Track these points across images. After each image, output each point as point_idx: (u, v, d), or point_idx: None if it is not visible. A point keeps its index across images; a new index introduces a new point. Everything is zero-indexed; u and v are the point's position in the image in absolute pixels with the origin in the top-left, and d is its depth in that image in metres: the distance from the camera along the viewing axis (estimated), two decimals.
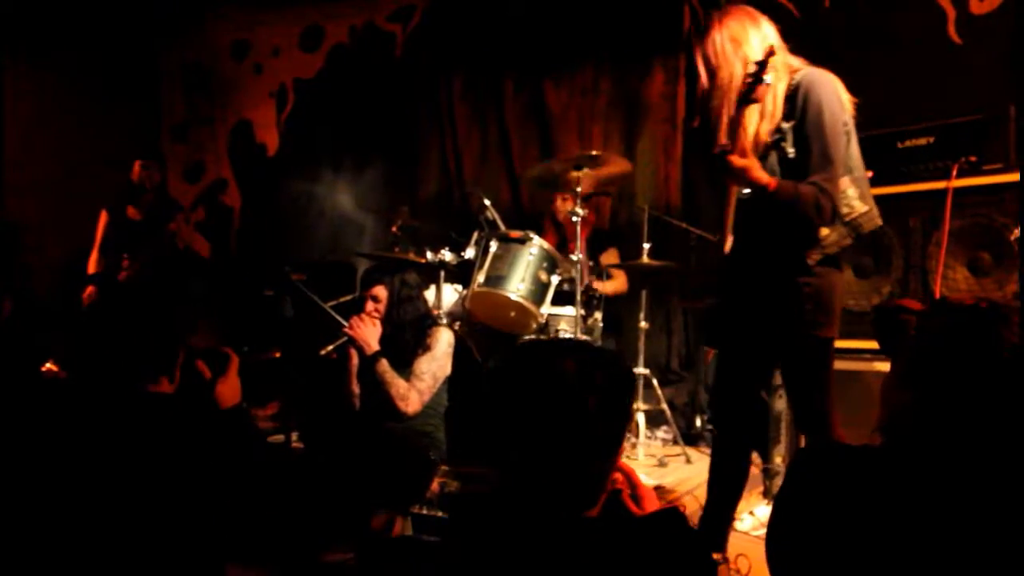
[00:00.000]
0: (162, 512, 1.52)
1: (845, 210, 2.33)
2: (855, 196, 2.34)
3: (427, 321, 3.14)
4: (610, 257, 4.46)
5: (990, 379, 1.21)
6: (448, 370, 3.08)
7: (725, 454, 2.56)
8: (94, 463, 1.51)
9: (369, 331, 2.99)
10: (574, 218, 3.53)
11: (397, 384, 2.93)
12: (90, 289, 4.94)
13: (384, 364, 2.94)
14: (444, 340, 3.08)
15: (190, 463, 1.57)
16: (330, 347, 3.09)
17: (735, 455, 2.54)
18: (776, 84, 2.31)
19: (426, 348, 3.04)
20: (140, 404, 1.61)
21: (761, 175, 2.26)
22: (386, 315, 3.06)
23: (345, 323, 3.08)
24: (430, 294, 4.08)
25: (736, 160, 2.25)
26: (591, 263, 4.21)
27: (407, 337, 3.05)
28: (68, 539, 1.47)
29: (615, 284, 4.34)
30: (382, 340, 3.01)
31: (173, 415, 1.63)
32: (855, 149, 2.37)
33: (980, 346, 1.23)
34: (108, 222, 5.07)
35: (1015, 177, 3.03)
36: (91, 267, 5.06)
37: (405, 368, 3.00)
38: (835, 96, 2.32)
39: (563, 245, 4.30)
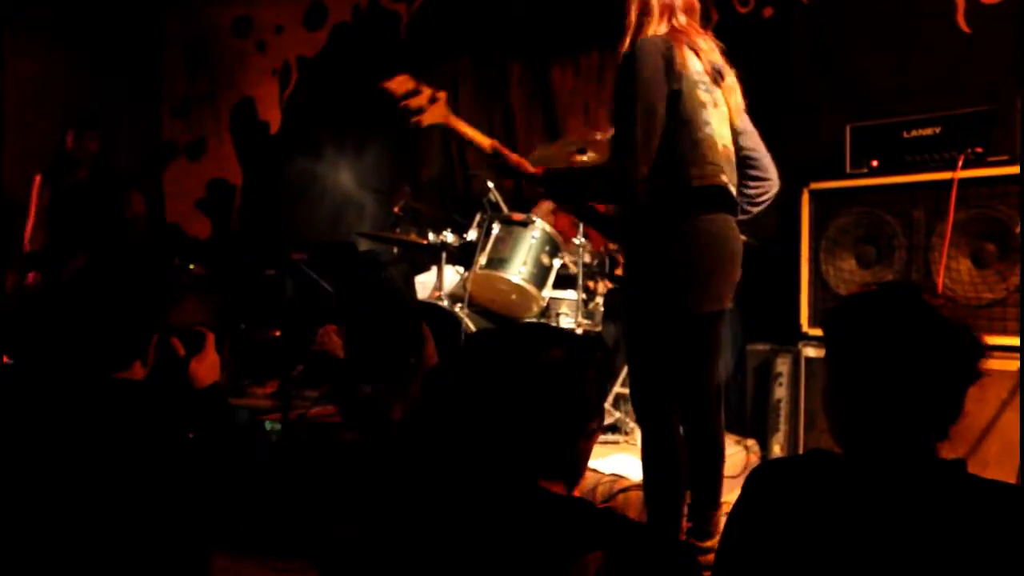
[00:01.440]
0: (136, 504, 1.45)
1: (672, 169, 2.21)
2: (682, 156, 2.21)
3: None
4: None
5: (925, 352, 1.21)
6: (426, 360, 3.00)
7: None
8: (58, 455, 1.44)
9: (337, 341, 2.93)
10: None
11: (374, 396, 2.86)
12: (33, 275, 4.49)
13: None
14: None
15: (163, 451, 1.51)
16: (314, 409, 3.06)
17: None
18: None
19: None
20: (106, 392, 1.53)
21: (530, 168, 2.36)
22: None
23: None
24: (431, 276, 4.08)
25: (510, 159, 2.37)
26: (599, 257, 4.17)
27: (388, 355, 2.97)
28: (37, 536, 1.41)
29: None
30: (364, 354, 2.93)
31: (143, 402, 1.55)
32: (690, 107, 2.20)
33: (907, 321, 1.23)
34: (44, 190, 4.63)
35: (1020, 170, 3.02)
36: (28, 240, 4.62)
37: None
38: (647, 58, 2.18)
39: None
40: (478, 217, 3.87)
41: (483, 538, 1.15)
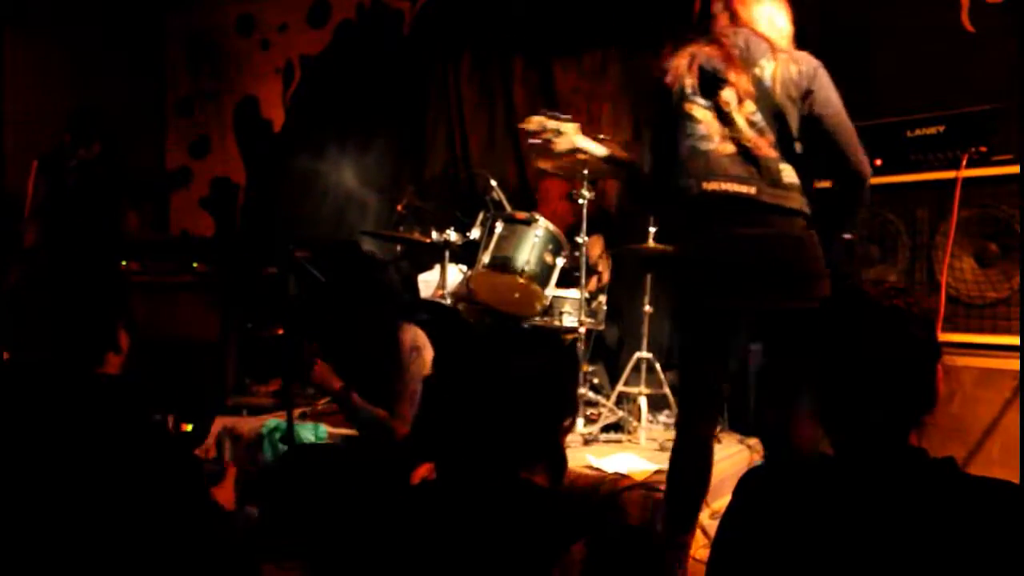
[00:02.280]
0: (122, 507, 1.39)
1: (672, 181, 2.39)
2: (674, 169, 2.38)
3: (385, 349, 2.77)
4: (595, 245, 4.32)
5: (867, 346, 1.23)
6: (425, 369, 2.77)
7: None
8: (38, 457, 1.38)
9: (323, 369, 2.65)
10: (580, 200, 3.50)
11: (378, 417, 2.65)
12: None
13: (356, 399, 2.64)
14: (406, 346, 2.79)
15: (147, 451, 1.46)
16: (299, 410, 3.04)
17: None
18: None
19: (396, 365, 2.74)
20: (86, 390, 1.48)
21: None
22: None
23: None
24: (434, 275, 4.09)
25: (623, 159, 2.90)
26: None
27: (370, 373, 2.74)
28: (26, 542, 1.36)
29: (601, 278, 4.26)
30: (346, 376, 2.68)
31: (121, 400, 1.49)
32: (678, 121, 2.36)
33: (845, 320, 1.26)
34: (40, 180, 4.54)
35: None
36: (28, 231, 4.54)
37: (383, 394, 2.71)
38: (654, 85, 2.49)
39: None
40: (481, 215, 3.87)
41: (475, 528, 1.20)
